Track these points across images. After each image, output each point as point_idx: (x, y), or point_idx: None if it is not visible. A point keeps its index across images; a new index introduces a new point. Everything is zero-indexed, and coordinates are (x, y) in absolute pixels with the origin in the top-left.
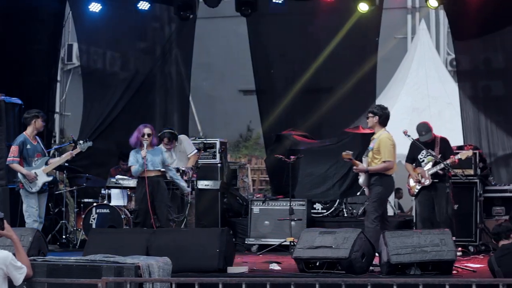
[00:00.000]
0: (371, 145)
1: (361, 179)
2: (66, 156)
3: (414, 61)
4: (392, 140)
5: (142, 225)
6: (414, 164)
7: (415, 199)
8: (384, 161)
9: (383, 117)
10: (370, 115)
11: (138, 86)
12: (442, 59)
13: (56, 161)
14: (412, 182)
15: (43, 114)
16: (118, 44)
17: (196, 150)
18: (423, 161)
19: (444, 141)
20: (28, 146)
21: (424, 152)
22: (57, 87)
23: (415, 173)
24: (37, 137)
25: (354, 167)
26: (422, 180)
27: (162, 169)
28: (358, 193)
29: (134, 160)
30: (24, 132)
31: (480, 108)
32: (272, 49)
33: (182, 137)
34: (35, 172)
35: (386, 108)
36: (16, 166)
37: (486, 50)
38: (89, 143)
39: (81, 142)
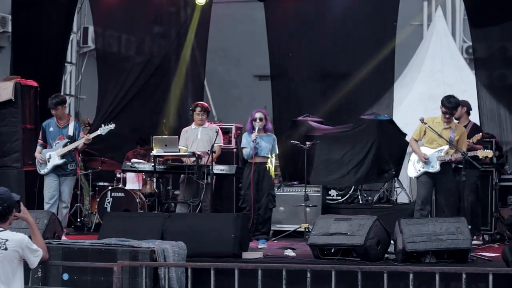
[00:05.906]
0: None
1: None
2: (82, 140)
3: (430, 48)
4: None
5: (247, 210)
6: None
7: None
8: None
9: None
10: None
11: (153, 70)
12: (458, 47)
13: (72, 145)
14: None
15: (52, 100)
16: (133, 28)
17: (221, 143)
18: None
19: (474, 128)
20: (51, 129)
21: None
22: (67, 70)
23: None
24: (74, 121)
25: None
26: None
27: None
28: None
29: (246, 143)
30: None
31: (496, 96)
32: (289, 34)
33: (216, 127)
34: (49, 155)
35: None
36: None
37: (503, 38)
38: (111, 126)
39: (103, 125)
